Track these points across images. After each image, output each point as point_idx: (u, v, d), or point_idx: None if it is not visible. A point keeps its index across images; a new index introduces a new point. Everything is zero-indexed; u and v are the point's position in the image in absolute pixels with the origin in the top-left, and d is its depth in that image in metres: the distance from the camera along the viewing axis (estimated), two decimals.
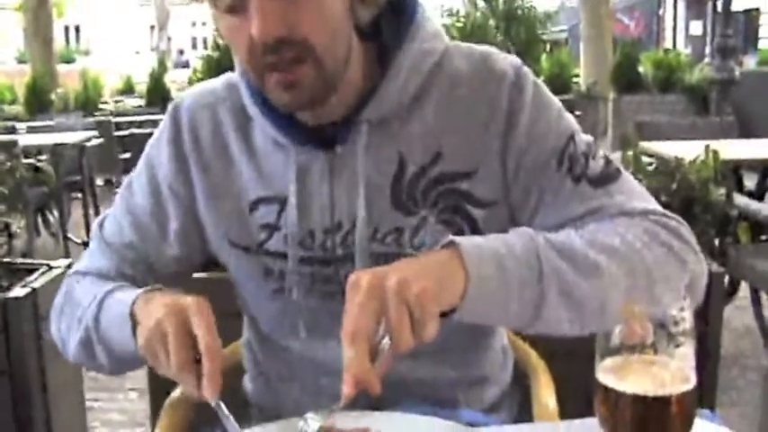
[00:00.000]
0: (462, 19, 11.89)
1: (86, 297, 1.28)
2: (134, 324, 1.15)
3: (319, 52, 1.11)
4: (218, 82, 1.36)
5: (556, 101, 1.26)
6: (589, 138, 1.25)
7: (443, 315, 1.01)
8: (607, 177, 1.20)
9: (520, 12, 12.55)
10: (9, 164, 3.66)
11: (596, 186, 1.19)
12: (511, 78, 1.22)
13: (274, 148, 1.26)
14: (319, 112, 1.22)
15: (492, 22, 11.92)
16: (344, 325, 0.96)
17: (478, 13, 12.12)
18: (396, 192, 1.22)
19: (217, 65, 10.27)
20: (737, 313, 4.36)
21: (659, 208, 1.20)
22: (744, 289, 4.12)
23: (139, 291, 1.20)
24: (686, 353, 0.86)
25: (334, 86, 1.17)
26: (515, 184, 1.22)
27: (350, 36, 1.18)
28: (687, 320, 0.85)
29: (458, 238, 1.05)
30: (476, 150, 1.21)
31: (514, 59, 1.27)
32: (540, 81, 1.26)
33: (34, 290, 2.53)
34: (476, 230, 1.22)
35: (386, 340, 0.98)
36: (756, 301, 3.96)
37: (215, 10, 1.13)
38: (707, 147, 3.41)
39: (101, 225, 1.38)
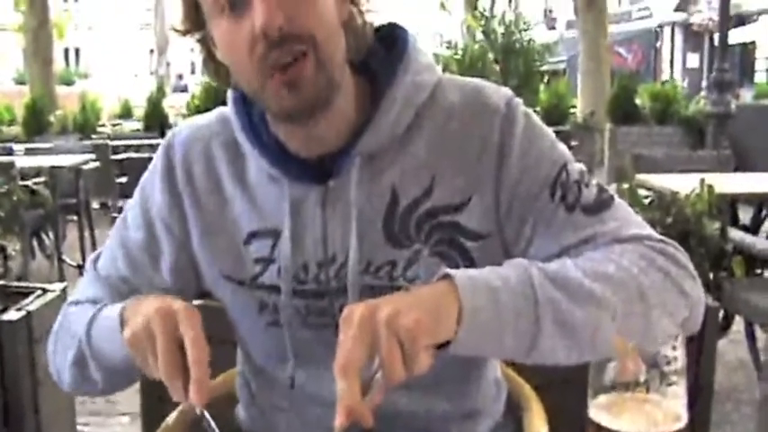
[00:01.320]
0: (460, 51, 11.91)
1: (79, 320, 1.27)
2: (123, 327, 1.14)
3: (321, 45, 1.12)
4: (211, 116, 1.36)
5: (548, 131, 1.27)
6: (582, 166, 1.25)
7: (439, 347, 1.01)
8: (601, 205, 1.20)
9: (518, 45, 12.58)
10: (6, 187, 3.67)
11: (590, 214, 1.19)
12: (502, 111, 1.23)
13: (268, 181, 1.26)
14: (313, 142, 1.23)
15: (491, 55, 11.94)
16: (337, 357, 0.96)
17: (476, 46, 12.14)
18: (388, 225, 1.22)
19: (215, 93, 10.32)
20: (731, 347, 4.35)
21: (655, 234, 1.20)
22: (738, 323, 4.12)
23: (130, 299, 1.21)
24: (678, 391, 0.86)
25: (335, 91, 1.17)
26: (509, 214, 1.22)
27: (344, 52, 1.19)
28: (679, 359, 0.85)
29: (452, 271, 1.06)
30: (468, 183, 1.22)
31: (506, 91, 1.27)
32: (531, 111, 1.26)
33: (29, 313, 2.53)
34: (470, 263, 1.22)
35: (380, 373, 0.98)
36: (751, 335, 3.96)
37: (214, 12, 1.14)
38: (702, 181, 3.43)
39: (95, 260, 1.38)
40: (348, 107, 1.23)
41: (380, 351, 0.96)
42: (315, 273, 1.25)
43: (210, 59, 1.24)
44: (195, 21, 1.20)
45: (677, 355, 0.85)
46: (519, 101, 1.26)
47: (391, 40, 1.27)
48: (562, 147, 1.26)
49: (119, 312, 1.17)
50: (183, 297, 1.35)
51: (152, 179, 1.35)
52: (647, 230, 1.21)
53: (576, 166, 1.24)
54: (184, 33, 1.23)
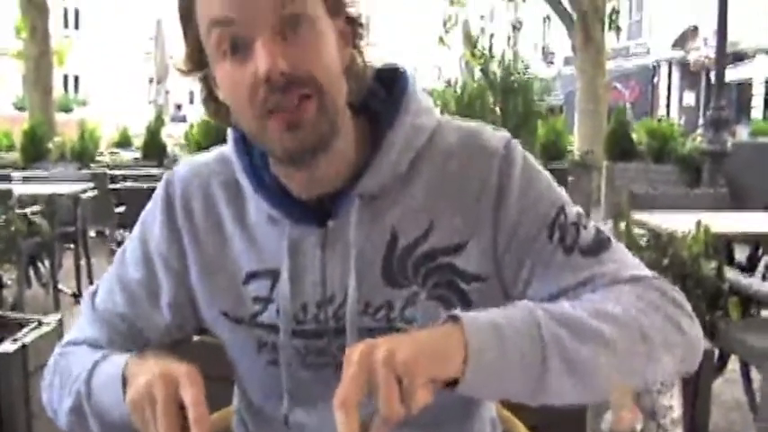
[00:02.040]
0: (459, 89, 11.85)
1: (77, 365, 1.27)
2: (125, 386, 1.14)
3: (324, 90, 1.12)
4: (210, 155, 1.37)
5: (545, 173, 1.27)
6: (579, 208, 1.26)
7: (447, 386, 1.01)
8: (598, 247, 1.21)
9: (516, 85, 12.50)
10: (4, 216, 3.67)
11: (588, 256, 1.19)
12: (501, 153, 1.24)
13: (268, 222, 1.27)
14: (313, 183, 1.23)
15: (489, 93, 11.85)
16: (336, 395, 0.96)
17: (475, 84, 12.06)
18: (387, 266, 1.22)
19: (215, 125, 10.34)
20: (727, 387, 4.34)
21: (652, 275, 1.21)
22: (733, 362, 4.11)
23: (131, 354, 1.20)
24: None
25: (336, 134, 1.18)
26: (507, 256, 1.22)
27: (345, 96, 1.19)
28: (676, 409, 0.86)
29: (458, 313, 1.05)
30: (466, 225, 1.22)
31: (504, 134, 1.28)
32: (528, 154, 1.27)
33: (24, 345, 2.50)
34: (467, 305, 1.21)
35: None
36: (746, 375, 3.95)
37: (216, 55, 1.14)
38: (698, 222, 3.43)
39: (93, 295, 1.38)
40: (348, 148, 1.24)
41: (378, 387, 0.96)
42: (314, 313, 1.25)
43: (211, 99, 1.24)
44: (198, 61, 1.20)
45: (674, 404, 0.86)
46: (517, 143, 1.27)
47: (391, 81, 1.28)
48: (559, 189, 1.27)
49: (121, 372, 1.17)
50: (181, 333, 1.36)
51: (152, 213, 1.35)
52: (645, 271, 1.21)
53: (574, 209, 1.24)
54: (187, 73, 1.23)
